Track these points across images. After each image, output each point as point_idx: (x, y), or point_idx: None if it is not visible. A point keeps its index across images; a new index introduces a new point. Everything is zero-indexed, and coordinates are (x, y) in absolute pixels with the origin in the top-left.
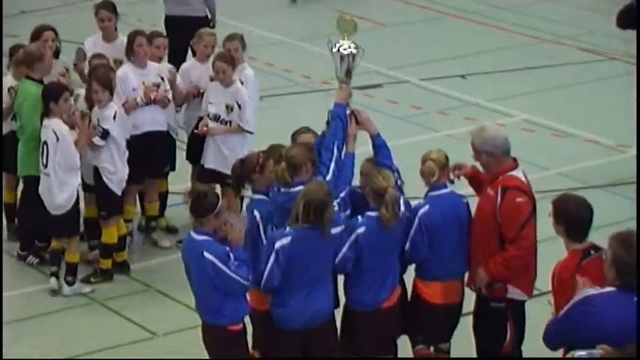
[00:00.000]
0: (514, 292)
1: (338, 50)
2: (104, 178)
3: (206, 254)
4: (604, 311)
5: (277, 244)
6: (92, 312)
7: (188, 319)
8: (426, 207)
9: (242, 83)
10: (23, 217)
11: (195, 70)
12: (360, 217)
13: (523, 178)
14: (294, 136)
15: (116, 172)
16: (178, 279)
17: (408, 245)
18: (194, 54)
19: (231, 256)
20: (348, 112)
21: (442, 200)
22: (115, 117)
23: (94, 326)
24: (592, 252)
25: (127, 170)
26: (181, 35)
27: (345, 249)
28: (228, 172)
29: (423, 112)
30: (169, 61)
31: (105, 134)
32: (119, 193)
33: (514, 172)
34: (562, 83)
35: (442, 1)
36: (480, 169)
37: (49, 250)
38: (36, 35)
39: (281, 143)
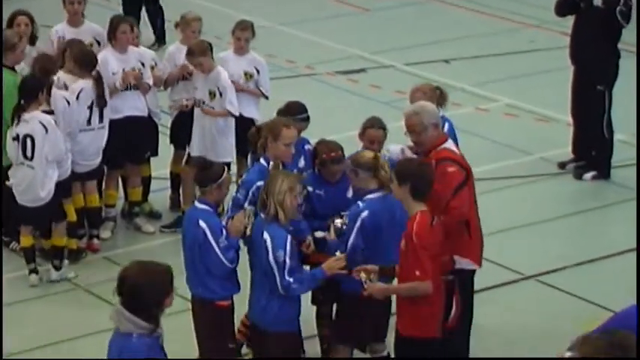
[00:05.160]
0: (462, 263)
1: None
2: None
3: (200, 222)
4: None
5: None
6: (76, 297)
7: (173, 303)
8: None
9: (258, 72)
10: (8, 205)
11: (180, 53)
12: (360, 203)
13: (455, 150)
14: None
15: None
16: None
17: None
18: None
19: (224, 233)
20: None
21: None
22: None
23: (77, 312)
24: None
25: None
26: None
27: (352, 238)
28: (215, 158)
29: (407, 97)
30: None
31: None
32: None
33: (446, 145)
34: (545, 68)
35: None
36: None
37: (21, 249)
38: (11, 20)
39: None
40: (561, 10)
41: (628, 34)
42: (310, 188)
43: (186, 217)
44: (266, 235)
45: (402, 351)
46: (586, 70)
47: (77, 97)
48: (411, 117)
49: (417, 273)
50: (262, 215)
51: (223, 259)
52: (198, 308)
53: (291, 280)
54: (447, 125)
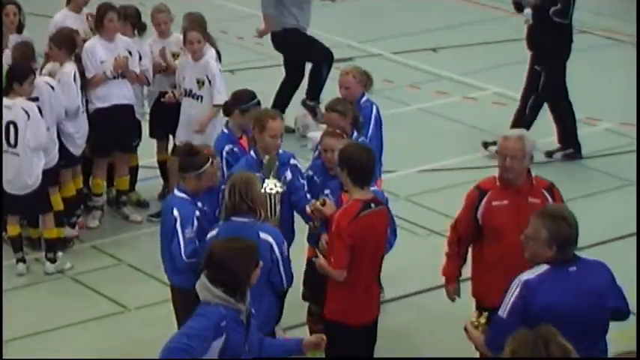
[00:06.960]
0: None
1: (265, 190)
2: None
3: (174, 210)
4: (545, 290)
5: None
6: (63, 286)
7: (159, 293)
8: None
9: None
10: None
11: (156, 45)
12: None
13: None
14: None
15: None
16: (149, 253)
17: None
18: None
19: (195, 225)
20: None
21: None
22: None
23: (65, 301)
24: (372, 205)
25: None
26: None
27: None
28: None
29: (394, 85)
30: None
31: None
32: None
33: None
34: None
35: None
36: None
37: (8, 238)
38: None
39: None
40: (518, 7)
41: (615, 23)
42: (310, 172)
43: (165, 204)
44: (265, 235)
45: (326, 333)
46: (533, 54)
47: (74, 80)
48: (514, 142)
49: (332, 259)
50: (246, 219)
51: (182, 250)
52: (177, 297)
53: (292, 272)
54: (374, 109)
